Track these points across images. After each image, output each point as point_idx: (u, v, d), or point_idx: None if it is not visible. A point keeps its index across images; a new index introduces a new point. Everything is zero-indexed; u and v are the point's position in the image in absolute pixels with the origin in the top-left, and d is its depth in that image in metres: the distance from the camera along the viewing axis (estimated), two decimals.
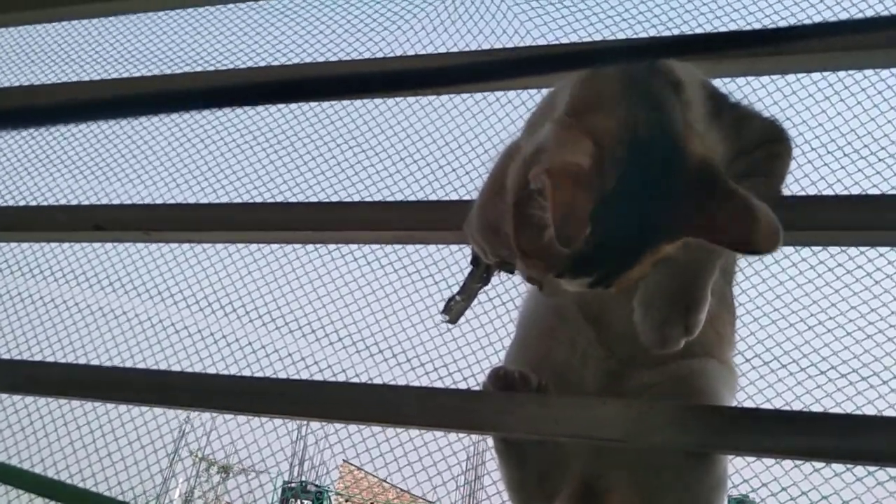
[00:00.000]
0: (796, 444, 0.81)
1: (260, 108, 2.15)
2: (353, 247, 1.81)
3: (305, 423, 1.91)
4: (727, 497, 0.99)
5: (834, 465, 1.70)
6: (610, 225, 0.73)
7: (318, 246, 1.83)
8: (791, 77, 2.07)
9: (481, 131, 1.99)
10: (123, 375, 1.38)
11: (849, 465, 1.65)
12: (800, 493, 1.71)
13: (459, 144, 2.00)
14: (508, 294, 1.76)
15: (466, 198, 1.06)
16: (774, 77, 2.02)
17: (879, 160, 1.98)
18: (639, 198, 0.73)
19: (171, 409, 1.19)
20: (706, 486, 0.92)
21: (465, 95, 1.98)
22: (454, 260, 1.78)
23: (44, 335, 2.07)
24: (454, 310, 1.08)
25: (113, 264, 2.06)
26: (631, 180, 0.73)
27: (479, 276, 1.08)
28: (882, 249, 1.87)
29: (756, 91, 1.98)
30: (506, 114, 1.99)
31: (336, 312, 1.81)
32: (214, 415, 1.93)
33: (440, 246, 1.77)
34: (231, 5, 2.32)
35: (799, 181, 2.01)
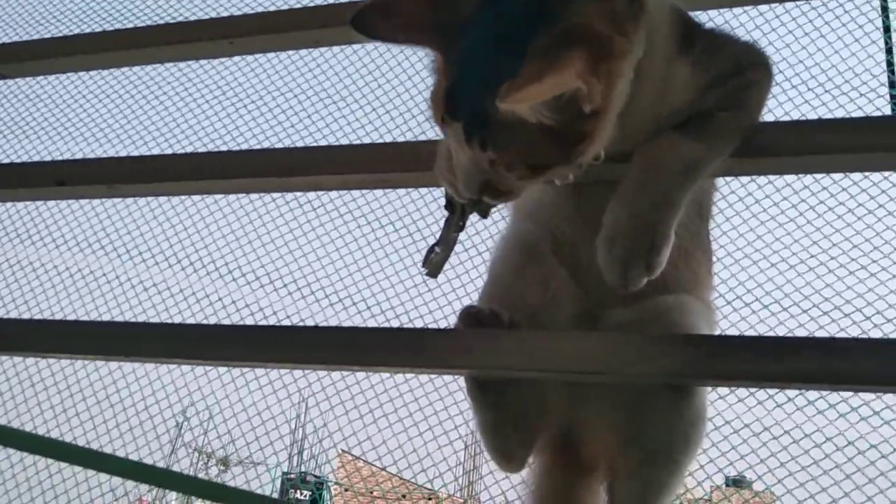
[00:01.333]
0: (773, 370, 0.80)
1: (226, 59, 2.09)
2: (321, 194, 1.78)
3: (303, 410, 1.90)
4: (724, 477, 0.98)
5: (817, 403, 1.72)
6: (463, 61, 0.77)
7: (285, 195, 1.80)
8: (764, 7, 2.03)
9: None
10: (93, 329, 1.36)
11: (825, 393, 1.66)
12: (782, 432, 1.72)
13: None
14: (483, 241, 1.73)
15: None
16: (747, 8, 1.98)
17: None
18: (488, 36, 0.76)
19: (145, 361, 1.17)
20: (686, 420, 0.92)
21: None
22: (424, 204, 1.74)
23: (10, 297, 2.04)
24: (434, 262, 1.06)
25: (79, 222, 2.02)
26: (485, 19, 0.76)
27: (455, 222, 1.05)
28: (856, 177, 1.87)
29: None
30: None
31: (308, 266, 1.78)
32: (211, 405, 1.93)
33: (409, 190, 1.74)
34: None
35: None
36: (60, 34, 2.37)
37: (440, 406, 1.79)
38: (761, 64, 0.92)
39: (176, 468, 2.10)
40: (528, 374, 0.90)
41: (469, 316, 0.97)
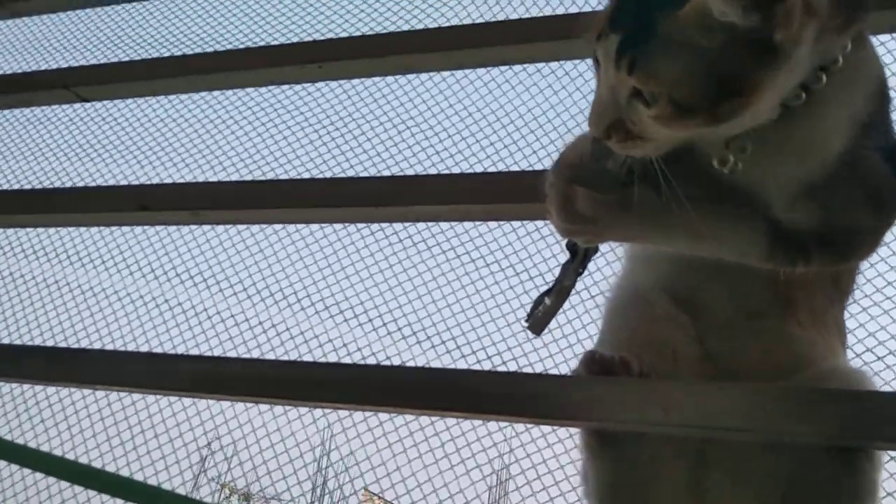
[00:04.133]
0: None
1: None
2: (414, 226, 1.77)
3: (328, 445, 1.88)
4: None
5: None
6: None
7: (371, 225, 1.79)
8: None
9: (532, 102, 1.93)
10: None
11: None
12: None
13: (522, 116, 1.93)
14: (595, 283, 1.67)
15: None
16: None
17: None
18: None
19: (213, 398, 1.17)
20: (848, 496, 0.82)
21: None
22: (532, 241, 1.69)
23: (80, 324, 2.08)
24: (540, 316, 1.01)
25: (155, 250, 2.07)
26: None
27: (574, 267, 1.00)
28: None
29: None
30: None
31: (394, 300, 1.76)
32: (237, 439, 1.93)
33: (516, 225, 1.71)
34: None
35: None
36: (140, 58, 2.45)
37: (468, 448, 1.73)
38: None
39: (198, 495, 2.09)
40: (664, 429, 0.85)
41: (594, 362, 0.92)
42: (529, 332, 1.02)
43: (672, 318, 0.95)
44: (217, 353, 1.83)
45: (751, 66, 0.68)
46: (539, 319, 0.99)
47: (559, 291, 0.98)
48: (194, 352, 1.87)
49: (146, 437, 1.92)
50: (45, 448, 2.00)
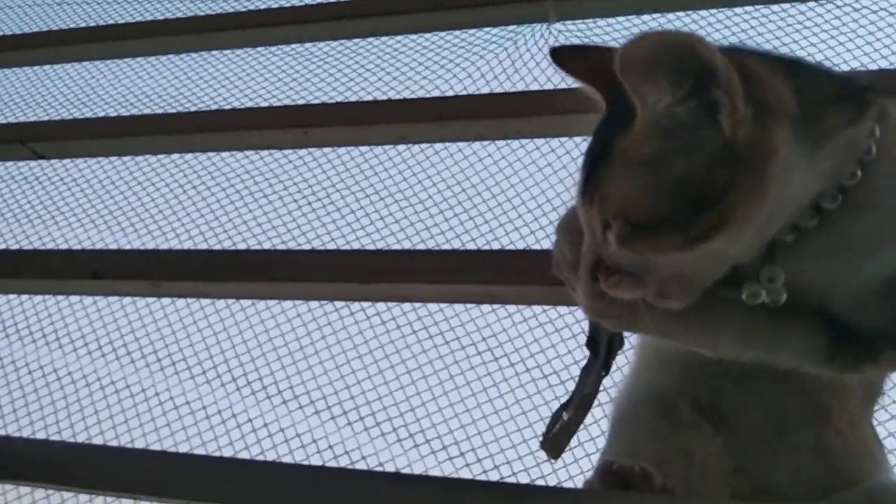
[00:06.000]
0: None
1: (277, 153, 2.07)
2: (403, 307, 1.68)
3: None
4: None
5: None
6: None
7: (352, 305, 1.70)
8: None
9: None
10: None
11: None
12: None
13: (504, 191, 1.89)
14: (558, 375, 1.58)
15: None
16: None
17: None
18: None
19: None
20: None
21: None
22: (545, 334, 1.60)
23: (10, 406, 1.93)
24: (558, 435, 0.90)
25: (105, 324, 1.95)
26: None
27: (597, 369, 0.92)
28: None
29: None
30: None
31: (393, 400, 1.64)
32: None
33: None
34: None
35: None
36: (107, 115, 2.40)
37: None
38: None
39: None
40: None
41: (611, 474, 0.85)
42: (545, 454, 0.93)
43: (697, 425, 0.89)
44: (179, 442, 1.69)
45: (717, 173, 0.65)
46: (556, 438, 0.90)
47: (580, 403, 0.90)
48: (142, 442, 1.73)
49: None
50: None
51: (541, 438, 0.91)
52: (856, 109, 0.71)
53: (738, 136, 0.64)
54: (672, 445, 0.88)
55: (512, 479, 1.44)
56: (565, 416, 0.90)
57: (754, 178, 0.64)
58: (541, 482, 1.39)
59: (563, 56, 0.83)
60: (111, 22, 2.57)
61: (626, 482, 0.83)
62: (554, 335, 1.57)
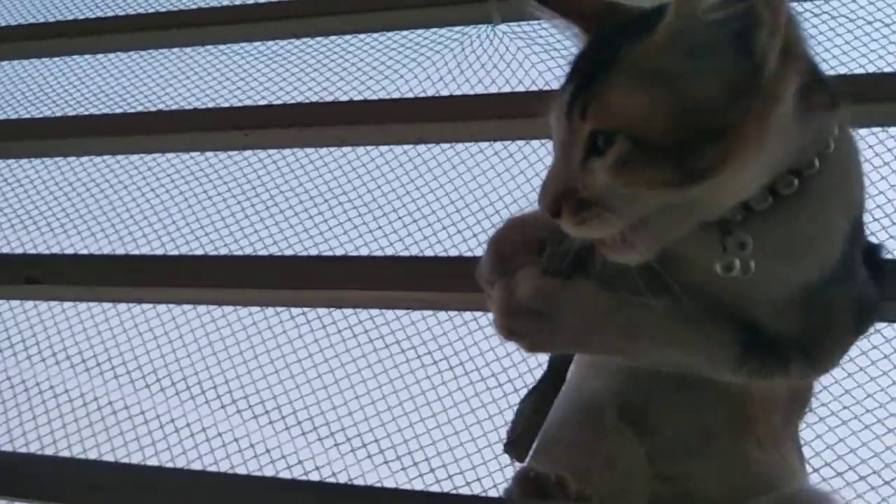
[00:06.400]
0: None
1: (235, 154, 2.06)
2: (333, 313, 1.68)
3: None
4: None
5: None
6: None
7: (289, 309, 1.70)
8: None
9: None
10: None
11: None
12: None
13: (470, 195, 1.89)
14: (507, 374, 1.59)
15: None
16: None
17: None
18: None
19: None
20: None
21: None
22: (484, 337, 1.61)
23: None
24: (521, 435, 0.91)
25: (46, 328, 1.92)
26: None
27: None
28: None
29: None
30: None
31: (315, 399, 1.65)
32: None
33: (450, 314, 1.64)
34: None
35: None
36: (53, 114, 2.36)
37: None
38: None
39: None
40: None
41: (528, 481, 0.85)
42: (512, 458, 0.93)
43: (621, 432, 0.89)
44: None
45: (731, 103, 0.60)
46: (520, 437, 0.91)
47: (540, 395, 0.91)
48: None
49: None
50: None
51: (505, 436, 0.92)
52: (832, 100, 0.69)
53: (765, 65, 0.60)
54: (595, 452, 0.88)
55: (448, 484, 1.45)
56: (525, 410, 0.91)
57: (762, 120, 0.61)
58: (465, 490, 1.41)
59: None
60: (52, 20, 2.53)
61: (543, 490, 0.84)
62: (494, 338, 1.58)
